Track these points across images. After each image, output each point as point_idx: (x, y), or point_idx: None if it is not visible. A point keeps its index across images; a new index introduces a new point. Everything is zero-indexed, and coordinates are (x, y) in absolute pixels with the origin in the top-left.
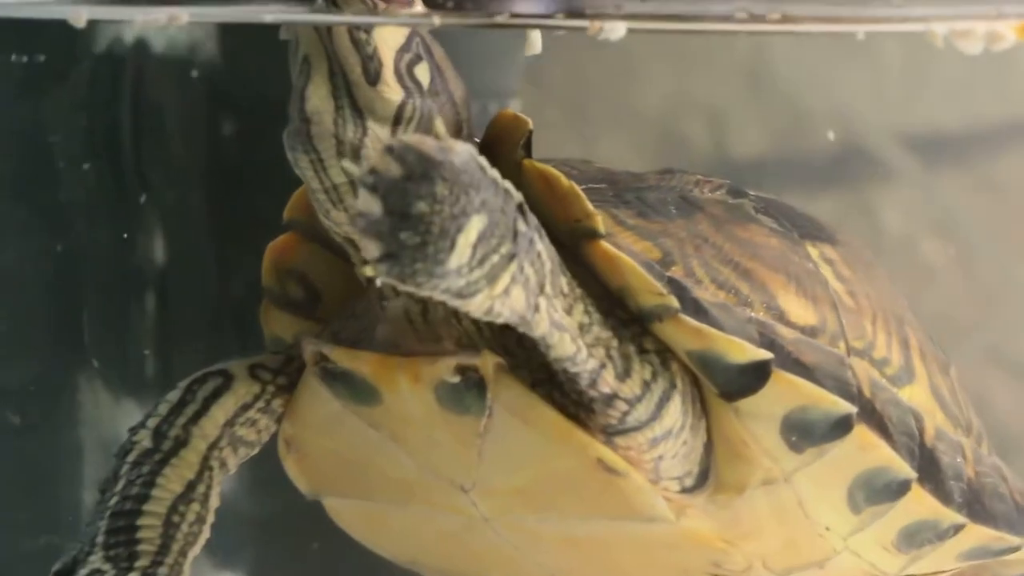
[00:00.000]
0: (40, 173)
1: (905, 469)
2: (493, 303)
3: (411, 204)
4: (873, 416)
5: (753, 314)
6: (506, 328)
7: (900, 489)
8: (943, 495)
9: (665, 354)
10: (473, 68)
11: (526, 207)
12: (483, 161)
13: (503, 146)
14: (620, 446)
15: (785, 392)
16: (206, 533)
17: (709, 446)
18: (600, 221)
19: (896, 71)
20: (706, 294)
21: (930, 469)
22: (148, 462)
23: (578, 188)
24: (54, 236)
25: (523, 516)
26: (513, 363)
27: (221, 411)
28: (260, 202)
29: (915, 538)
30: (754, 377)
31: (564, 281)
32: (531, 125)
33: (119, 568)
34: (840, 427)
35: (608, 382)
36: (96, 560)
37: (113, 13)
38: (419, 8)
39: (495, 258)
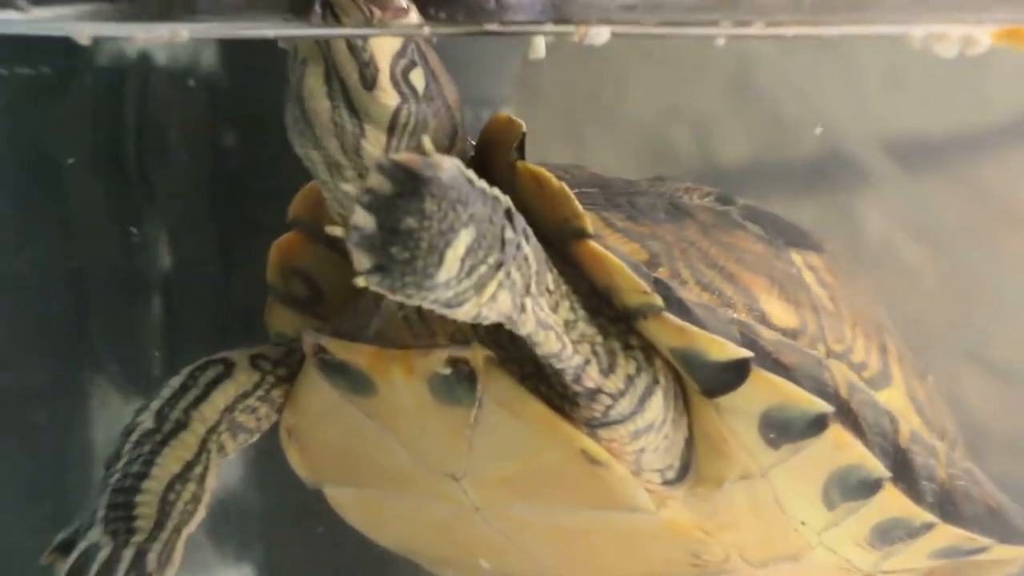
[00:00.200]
0: (50, 183)
1: (879, 468)
2: (481, 309)
3: (400, 220)
4: (849, 416)
5: (735, 315)
6: (499, 324)
7: (873, 486)
8: (915, 494)
9: (649, 351)
10: (467, 76)
11: (513, 211)
12: (471, 174)
13: (498, 148)
14: (603, 438)
15: (764, 390)
16: (201, 512)
17: (690, 441)
18: (588, 221)
19: (875, 79)
20: (690, 295)
21: (903, 469)
22: (149, 442)
23: (568, 189)
24: (65, 243)
25: (511, 505)
26: (504, 357)
27: (221, 397)
28: (261, 208)
29: (888, 535)
30: (734, 375)
31: (550, 278)
32: (524, 128)
33: (117, 542)
34: (816, 425)
35: (592, 377)
36: (95, 534)
37: (116, 30)
38: (414, 18)
39: (483, 268)
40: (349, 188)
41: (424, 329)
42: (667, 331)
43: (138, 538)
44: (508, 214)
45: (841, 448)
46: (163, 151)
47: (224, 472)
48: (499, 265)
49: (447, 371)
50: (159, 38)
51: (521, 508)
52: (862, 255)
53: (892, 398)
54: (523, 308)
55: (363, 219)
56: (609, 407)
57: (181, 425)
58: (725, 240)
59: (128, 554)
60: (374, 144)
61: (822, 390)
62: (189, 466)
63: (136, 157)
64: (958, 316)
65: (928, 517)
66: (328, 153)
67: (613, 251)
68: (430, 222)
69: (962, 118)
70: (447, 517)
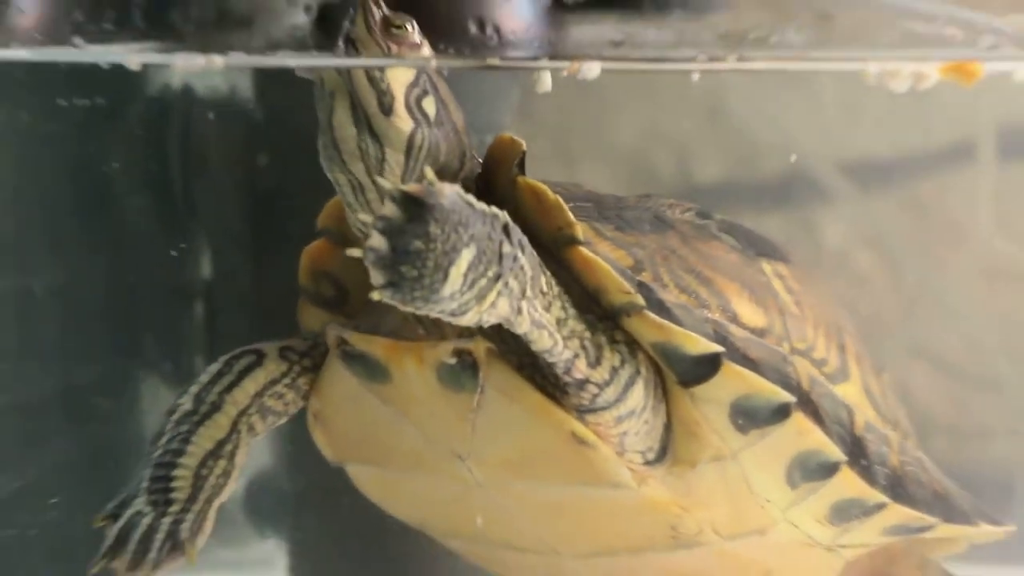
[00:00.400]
0: (102, 201)
1: (836, 452)
2: (482, 315)
3: (409, 243)
4: (809, 406)
5: (710, 315)
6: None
7: (831, 469)
8: (869, 477)
9: (632, 346)
10: (471, 105)
11: (511, 225)
12: (470, 198)
13: (501, 165)
14: (591, 422)
15: (733, 381)
16: (231, 486)
17: (668, 426)
18: (580, 230)
19: (834, 108)
20: (670, 296)
21: (858, 454)
22: (187, 422)
23: (562, 201)
24: (116, 255)
25: (511, 482)
26: (504, 348)
27: (252, 383)
28: (293, 223)
29: (844, 513)
30: (707, 367)
31: (544, 280)
32: (525, 146)
33: (157, 511)
34: (780, 413)
35: (581, 369)
36: (140, 503)
37: (158, 58)
38: (427, 52)
39: (483, 281)
40: (366, 218)
41: (433, 326)
42: (648, 328)
43: (175, 508)
44: (505, 229)
45: (802, 434)
46: (204, 173)
47: (259, 454)
48: (498, 277)
49: (453, 361)
50: (194, 66)
51: (519, 485)
52: (823, 264)
53: (849, 392)
54: (520, 311)
55: (378, 242)
56: (596, 395)
57: (215, 407)
58: (703, 249)
59: (166, 523)
60: (394, 165)
61: (786, 382)
62: (221, 444)
63: (181, 179)
64: (904, 314)
65: (880, 498)
66: (355, 176)
67: (602, 257)
68: (435, 244)
69: (909, 143)
70: (455, 494)
